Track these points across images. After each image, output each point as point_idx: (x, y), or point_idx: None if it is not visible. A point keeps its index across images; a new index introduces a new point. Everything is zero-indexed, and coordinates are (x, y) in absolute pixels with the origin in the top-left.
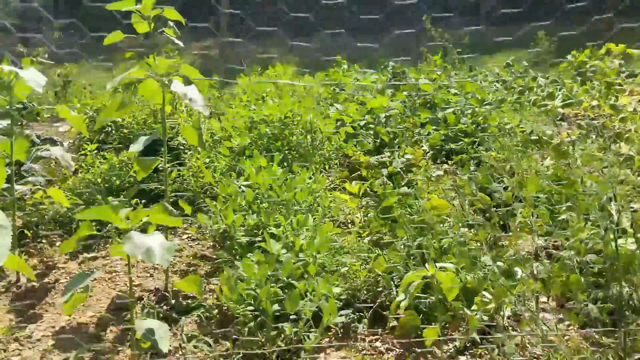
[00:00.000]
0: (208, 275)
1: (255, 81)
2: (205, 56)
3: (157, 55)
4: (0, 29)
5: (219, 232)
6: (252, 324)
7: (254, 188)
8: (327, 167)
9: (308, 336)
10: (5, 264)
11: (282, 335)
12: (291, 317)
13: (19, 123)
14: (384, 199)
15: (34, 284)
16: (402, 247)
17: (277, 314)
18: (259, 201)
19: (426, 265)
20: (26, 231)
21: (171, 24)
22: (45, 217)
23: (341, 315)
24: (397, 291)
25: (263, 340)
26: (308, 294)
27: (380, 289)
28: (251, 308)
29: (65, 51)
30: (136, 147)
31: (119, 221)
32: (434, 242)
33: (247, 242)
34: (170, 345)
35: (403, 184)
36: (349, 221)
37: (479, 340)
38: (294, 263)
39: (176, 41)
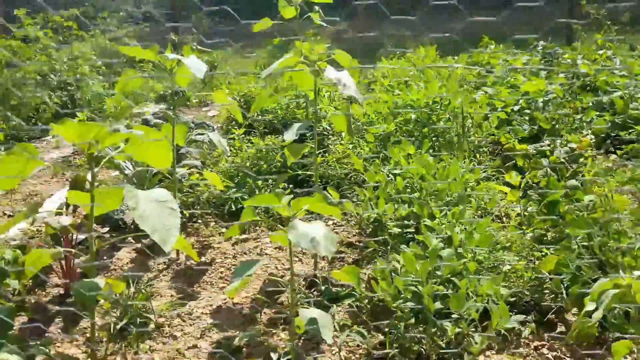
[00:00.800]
0: (355, 263)
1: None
2: (340, 40)
3: (301, 41)
4: (152, 18)
5: (369, 221)
6: (412, 320)
7: (404, 176)
8: (477, 155)
9: (473, 338)
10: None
11: (443, 335)
12: (453, 316)
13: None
14: (549, 192)
15: (192, 262)
16: (575, 247)
17: (437, 311)
18: (409, 190)
19: (621, 272)
20: (185, 211)
21: (317, 8)
22: (201, 198)
23: (514, 320)
24: (567, 294)
25: (419, 337)
26: (470, 292)
27: (546, 291)
28: (411, 304)
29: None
30: (290, 134)
31: (282, 209)
32: (613, 244)
33: (398, 233)
34: None
35: (567, 175)
36: (503, 214)
37: None
38: (456, 259)
39: (324, 25)
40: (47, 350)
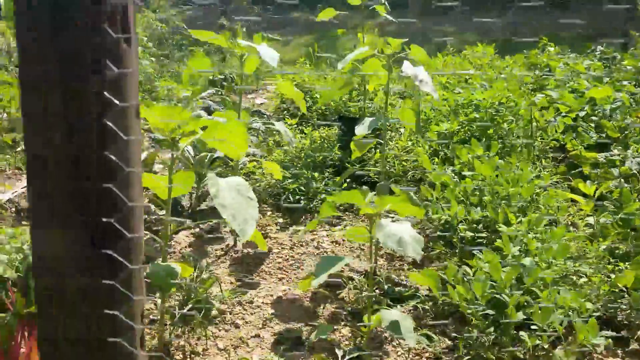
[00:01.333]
0: (415, 264)
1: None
2: (385, 32)
3: (362, 33)
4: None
5: (440, 222)
6: (491, 328)
7: (474, 178)
8: (543, 160)
9: (552, 352)
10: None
11: (519, 345)
12: (532, 327)
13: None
14: (624, 203)
15: (250, 250)
16: None
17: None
18: (477, 193)
19: None
20: None
21: (383, 0)
22: (258, 187)
23: (601, 337)
24: None
25: (489, 344)
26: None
27: (622, 306)
28: (491, 312)
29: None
30: (362, 128)
31: (365, 206)
32: None
33: (470, 237)
34: (385, 333)
35: (639, 187)
36: (569, 223)
37: None
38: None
39: (389, 18)
40: None
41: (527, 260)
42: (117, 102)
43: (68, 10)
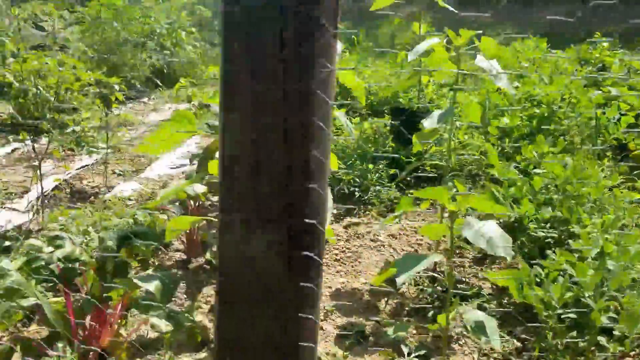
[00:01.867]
0: (475, 261)
1: None
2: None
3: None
4: None
5: (509, 221)
6: (573, 332)
7: (545, 176)
8: (605, 159)
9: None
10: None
11: (600, 351)
12: (614, 333)
13: None
14: None
15: None
16: None
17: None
18: (544, 191)
19: None
20: None
21: None
22: None
23: None
24: None
25: (563, 348)
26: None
27: None
28: (572, 315)
29: None
30: (430, 122)
31: (448, 203)
32: None
33: (542, 237)
34: (451, 331)
35: None
36: (635, 225)
37: None
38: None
39: (450, 8)
40: (193, 318)
41: (610, 264)
42: (328, 100)
43: (288, 12)
